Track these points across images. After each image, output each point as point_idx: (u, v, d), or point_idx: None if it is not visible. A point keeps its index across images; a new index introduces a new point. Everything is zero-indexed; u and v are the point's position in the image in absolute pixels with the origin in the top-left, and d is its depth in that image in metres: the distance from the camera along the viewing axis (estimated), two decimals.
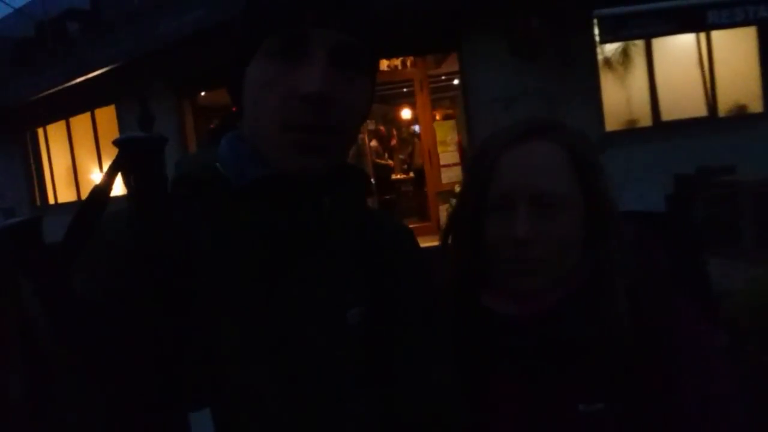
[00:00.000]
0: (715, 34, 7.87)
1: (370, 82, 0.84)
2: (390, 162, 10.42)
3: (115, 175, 0.70)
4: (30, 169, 12.01)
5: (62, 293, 0.63)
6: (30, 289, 0.61)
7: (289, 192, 0.78)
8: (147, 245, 0.69)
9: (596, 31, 7.33)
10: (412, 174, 10.25)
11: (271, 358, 0.75)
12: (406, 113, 11.32)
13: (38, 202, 11.93)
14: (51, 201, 11.86)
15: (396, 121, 11.69)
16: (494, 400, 1.00)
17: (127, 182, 0.70)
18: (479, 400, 0.95)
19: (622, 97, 7.98)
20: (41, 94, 10.09)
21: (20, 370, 0.60)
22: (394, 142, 11.52)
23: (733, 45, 7.99)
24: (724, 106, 7.98)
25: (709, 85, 7.95)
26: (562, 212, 0.97)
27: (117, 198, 0.62)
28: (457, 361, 0.91)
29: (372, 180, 7.99)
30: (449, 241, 1.11)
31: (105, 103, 10.08)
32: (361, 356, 0.81)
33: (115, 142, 0.68)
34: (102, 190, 0.68)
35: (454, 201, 7.32)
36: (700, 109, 7.97)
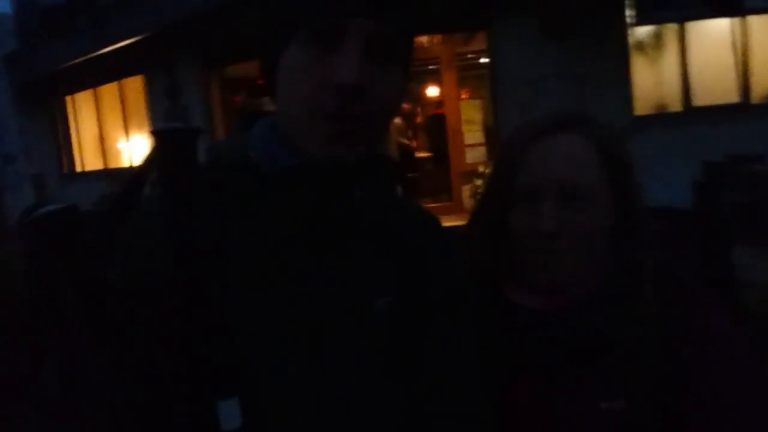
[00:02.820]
0: (751, 19, 7.69)
1: (403, 74, 0.84)
2: (414, 143, 10.34)
3: (152, 164, 0.71)
4: (58, 137, 12.14)
5: (96, 279, 0.64)
6: (65, 275, 0.63)
7: (319, 181, 0.78)
8: (179, 233, 0.70)
9: (628, 12, 7.20)
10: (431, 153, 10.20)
11: (299, 346, 0.76)
12: (432, 91, 11.22)
13: (66, 170, 12.08)
14: (78, 168, 12.01)
15: (421, 99, 11.61)
16: (515, 394, 1.00)
17: (162, 170, 0.71)
18: (501, 394, 0.96)
19: (652, 80, 7.85)
20: (70, 63, 10.16)
21: (54, 354, 0.62)
22: (419, 119, 11.46)
23: None
24: (757, 92, 7.82)
25: (742, 71, 7.78)
26: (589, 205, 0.97)
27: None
28: (479, 354, 0.91)
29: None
30: (474, 232, 1.11)
31: (133, 73, 10.12)
32: (388, 345, 0.82)
33: (153, 132, 0.69)
34: (138, 179, 0.70)
35: (478, 181, 7.26)
36: (732, 96, 7.81)
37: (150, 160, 0.72)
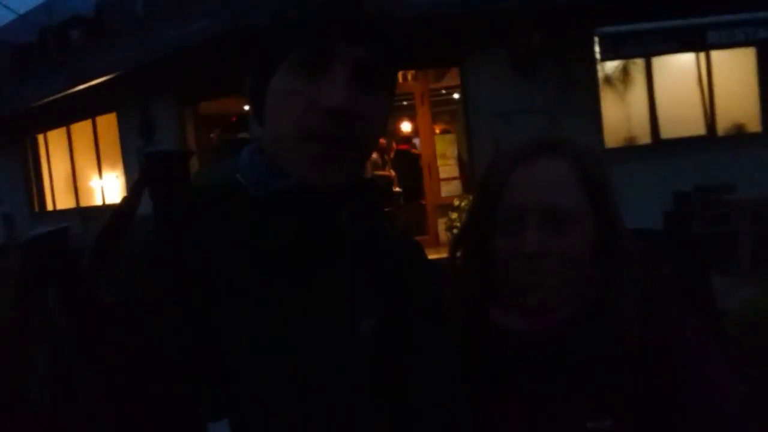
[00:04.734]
0: (715, 54, 7.94)
1: (388, 99, 0.86)
2: (390, 173, 10.38)
3: (144, 186, 0.72)
4: (29, 175, 12.01)
5: (86, 302, 0.64)
6: (55, 297, 0.62)
7: (306, 204, 0.79)
8: (169, 256, 0.71)
9: (597, 48, 7.38)
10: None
11: (285, 368, 0.76)
12: (406, 126, 11.33)
13: (36, 208, 11.92)
14: (49, 207, 11.85)
15: (396, 134, 11.70)
16: (502, 416, 1.00)
17: (153, 193, 0.71)
18: (487, 416, 0.96)
19: (621, 114, 8.03)
20: (42, 101, 10.10)
21: (44, 375, 0.61)
22: (393, 154, 11.52)
23: (732, 65, 8.06)
24: (722, 125, 8.04)
25: (708, 104, 8.01)
26: (571, 227, 0.99)
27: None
28: (464, 376, 0.91)
29: None
30: (458, 256, 1.12)
31: (106, 110, 10.08)
32: (373, 366, 0.82)
33: (146, 155, 0.70)
34: (130, 202, 0.70)
35: (453, 214, 7.28)
36: (698, 128, 8.02)
37: (140, 185, 0.72)
